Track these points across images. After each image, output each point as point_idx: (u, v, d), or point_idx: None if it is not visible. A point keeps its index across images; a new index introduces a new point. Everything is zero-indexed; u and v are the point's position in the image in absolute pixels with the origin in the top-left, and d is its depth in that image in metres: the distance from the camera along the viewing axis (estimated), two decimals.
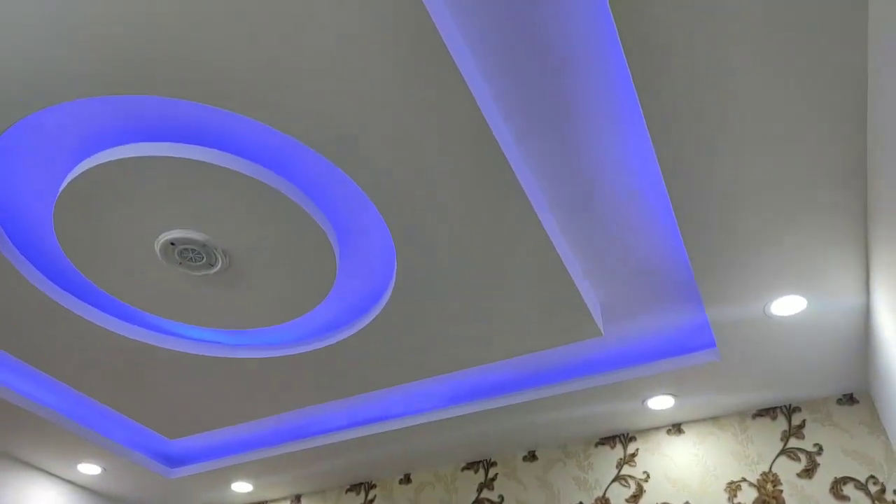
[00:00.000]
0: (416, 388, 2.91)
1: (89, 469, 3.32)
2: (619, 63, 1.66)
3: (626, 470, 2.93)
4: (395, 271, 2.22)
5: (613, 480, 2.93)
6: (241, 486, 3.58)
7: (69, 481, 3.46)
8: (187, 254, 2.14)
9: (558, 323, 2.37)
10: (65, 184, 1.90)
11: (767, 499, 2.60)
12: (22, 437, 3.04)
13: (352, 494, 3.53)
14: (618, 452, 2.99)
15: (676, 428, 2.92)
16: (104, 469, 3.34)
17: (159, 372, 2.70)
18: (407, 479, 3.42)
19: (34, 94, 1.64)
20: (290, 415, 3.10)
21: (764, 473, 2.65)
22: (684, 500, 2.74)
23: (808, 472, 2.58)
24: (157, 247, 2.10)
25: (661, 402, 2.76)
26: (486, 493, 3.18)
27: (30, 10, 1.46)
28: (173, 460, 3.49)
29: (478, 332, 2.45)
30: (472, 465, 3.30)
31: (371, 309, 2.47)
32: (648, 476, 2.87)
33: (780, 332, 2.33)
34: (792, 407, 2.75)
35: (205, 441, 3.32)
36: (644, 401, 2.76)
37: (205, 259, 2.16)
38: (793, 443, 2.67)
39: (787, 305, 2.20)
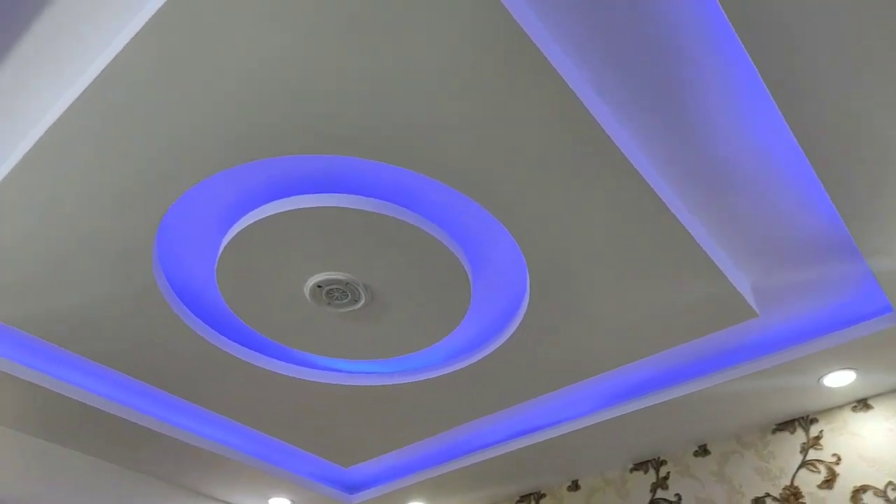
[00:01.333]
0: (575, 391, 2.88)
1: (280, 503, 3.61)
2: (726, 29, 1.58)
3: (812, 454, 2.70)
4: (528, 281, 2.23)
5: (800, 467, 2.71)
6: None
7: None
8: (333, 293, 2.29)
9: (707, 310, 2.26)
10: (224, 244, 2.12)
11: None
12: (218, 478, 3.38)
13: None
14: (799, 437, 2.77)
15: (863, 403, 2.65)
16: (293, 501, 3.61)
17: (326, 406, 2.90)
18: (575, 486, 3.38)
19: (193, 165, 1.85)
20: (455, 432, 3.19)
21: None
22: (887, 481, 2.47)
23: None
24: (307, 291, 2.28)
25: (839, 379, 2.52)
26: (661, 494, 3.06)
27: (184, 88, 1.66)
28: (352, 487, 3.70)
29: (624, 330, 2.40)
30: (640, 466, 3.20)
31: (510, 321, 2.49)
32: (839, 458, 2.62)
33: None
34: None
35: (378, 466, 3.50)
36: (820, 378, 2.54)
37: (349, 296, 2.30)
38: None
39: None
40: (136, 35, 1.49)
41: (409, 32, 1.48)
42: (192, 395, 2.84)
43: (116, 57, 1.54)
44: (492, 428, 3.18)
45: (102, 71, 1.57)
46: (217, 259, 2.18)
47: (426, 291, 2.29)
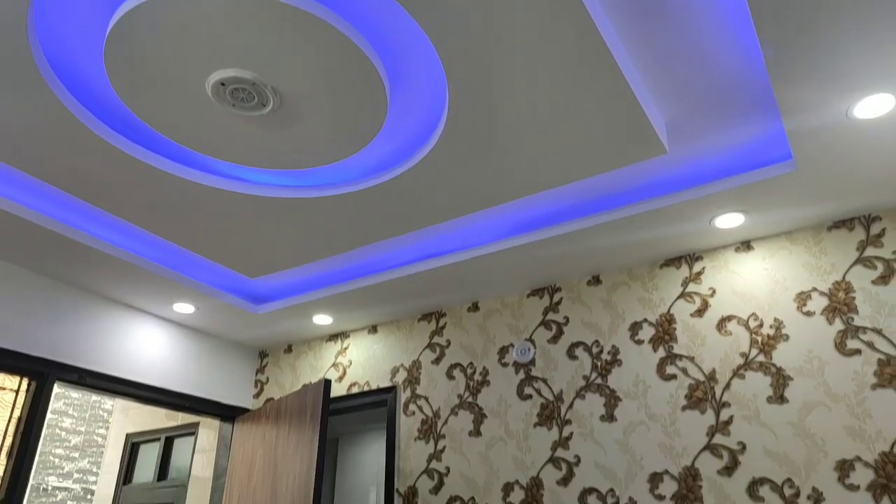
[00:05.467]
0: (482, 220, 2.94)
1: (184, 308, 3.63)
2: None
3: (691, 287, 2.94)
4: (447, 99, 2.14)
5: (678, 298, 2.96)
6: (322, 319, 3.84)
7: (167, 319, 3.80)
8: (238, 94, 2.12)
9: (620, 141, 2.28)
10: (112, 24, 1.87)
11: (838, 306, 2.57)
12: (124, 283, 3.32)
13: (423, 323, 3.74)
14: (683, 272, 2.99)
15: (745, 245, 2.87)
16: (197, 308, 3.63)
17: (234, 216, 2.82)
18: (475, 307, 3.58)
19: None
20: (364, 251, 3.22)
21: (836, 282, 2.61)
22: (750, 312, 2.76)
23: (885, 279, 2.51)
24: (209, 88, 2.10)
25: (729, 221, 2.69)
26: (551, 316, 3.29)
27: None
28: (258, 298, 3.75)
29: (537, 157, 2.40)
30: (537, 292, 3.39)
31: (427, 141, 2.43)
32: (714, 292, 2.87)
33: (864, 136, 2.16)
34: (871, 216, 2.62)
35: (284, 279, 3.53)
36: (711, 220, 2.70)
37: (256, 99, 2.14)
38: (870, 251, 2.58)
39: (873, 106, 2.02)
40: None
41: None
42: (92, 197, 2.68)
43: None
44: (399, 250, 3.23)
45: None
46: (105, 42, 1.93)
47: (340, 101, 2.16)
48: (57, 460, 6.85)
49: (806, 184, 2.43)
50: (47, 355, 3.15)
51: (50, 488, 6.69)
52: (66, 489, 6.78)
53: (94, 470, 6.69)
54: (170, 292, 3.43)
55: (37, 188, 2.67)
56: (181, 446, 4.64)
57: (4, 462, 3.04)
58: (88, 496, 6.69)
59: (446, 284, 3.37)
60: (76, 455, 7.00)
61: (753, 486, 2.51)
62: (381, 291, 3.45)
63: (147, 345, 3.65)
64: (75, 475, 6.95)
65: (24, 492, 2.99)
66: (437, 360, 3.58)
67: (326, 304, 3.63)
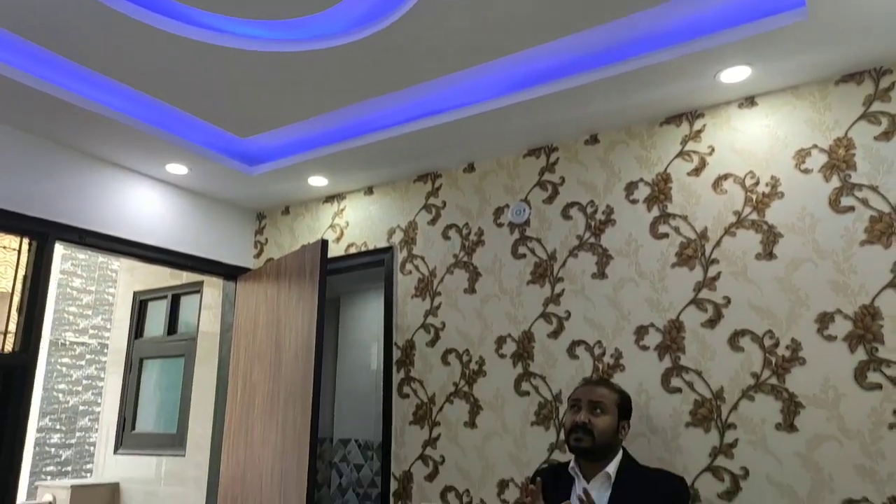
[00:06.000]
0: (477, 77, 2.83)
1: (177, 169, 3.59)
2: None
3: (690, 146, 2.89)
4: None
5: (676, 156, 2.91)
6: (317, 181, 3.82)
7: (161, 180, 3.78)
8: None
9: None
10: None
11: (837, 163, 2.53)
12: (115, 144, 3.27)
13: (419, 184, 3.72)
14: (683, 130, 2.92)
15: (749, 101, 2.77)
16: (190, 169, 3.60)
17: (217, 71, 2.72)
18: (471, 168, 3.54)
19: None
20: (357, 110, 3.14)
21: (838, 139, 2.54)
22: (748, 170, 2.72)
23: (887, 135, 2.45)
24: None
25: (734, 74, 2.58)
26: (547, 176, 3.26)
27: None
28: (250, 159, 3.70)
29: (533, 6, 2.25)
30: (533, 152, 3.34)
31: None
32: (713, 150, 2.82)
33: None
34: (882, 69, 2.51)
35: (277, 140, 3.47)
36: (716, 74, 2.59)
37: None
38: (876, 106, 2.49)
39: None
40: None
41: None
42: (74, 54, 2.57)
43: None
44: (392, 109, 3.14)
45: None
46: None
47: None
48: (72, 317, 7.14)
49: (818, 32, 2.29)
50: (46, 216, 3.17)
51: (68, 343, 7.03)
52: (83, 344, 7.13)
53: (107, 326, 6.97)
54: (161, 152, 3.38)
55: (24, 48, 2.55)
56: (187, 303, 4.82)
57: (16, 317, 3.16)
58: (104, 349, 7.04)
59: (441, 145, 3.31)
60: (89, 312, 7.28)
61: (734, 338, 2.61)
62: (375, 152, 3.40)
63: (145, 206, 3.66)
64: (90, 331, 7.27)
65: (38, 344, 3.13)
66: (432, 221, 3.61)
67: (321, 165, 3.59)
